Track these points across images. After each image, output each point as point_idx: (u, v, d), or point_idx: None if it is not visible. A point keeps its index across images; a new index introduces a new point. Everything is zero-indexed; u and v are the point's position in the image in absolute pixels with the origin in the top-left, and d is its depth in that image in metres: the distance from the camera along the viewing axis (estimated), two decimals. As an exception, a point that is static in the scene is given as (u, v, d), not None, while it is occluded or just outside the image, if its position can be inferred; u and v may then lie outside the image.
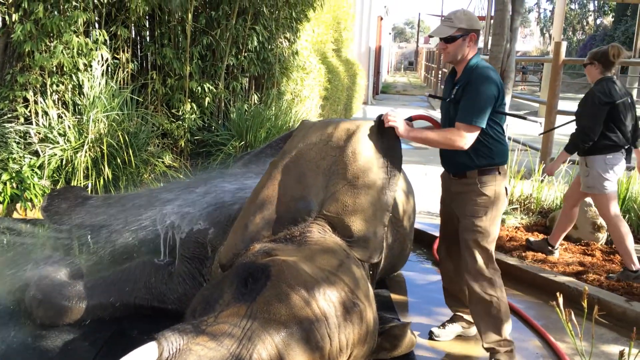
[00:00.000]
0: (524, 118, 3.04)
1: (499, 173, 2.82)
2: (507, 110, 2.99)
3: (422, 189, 6.03)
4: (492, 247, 2.88)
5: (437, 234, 4.77)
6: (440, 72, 19.88)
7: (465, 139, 2.67)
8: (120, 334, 3.01)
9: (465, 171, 2.83)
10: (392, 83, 28.47)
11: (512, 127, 7.13)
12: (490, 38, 5.35)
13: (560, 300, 1.14)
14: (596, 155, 3.83)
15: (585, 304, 1.15)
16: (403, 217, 3.64)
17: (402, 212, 3.60)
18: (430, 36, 3.26)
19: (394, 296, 3.76)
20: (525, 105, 14.63)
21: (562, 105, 7.52)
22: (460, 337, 3.25)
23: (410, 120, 2.86)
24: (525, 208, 5.18)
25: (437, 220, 5.10)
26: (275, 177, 2.74)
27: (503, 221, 4.79)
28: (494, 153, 2.80)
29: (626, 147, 3.85)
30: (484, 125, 2.69)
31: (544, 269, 4.05)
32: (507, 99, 4.88)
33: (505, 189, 2.88)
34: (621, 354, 1.09)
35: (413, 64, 49.90)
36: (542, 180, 5.32)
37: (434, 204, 5.56)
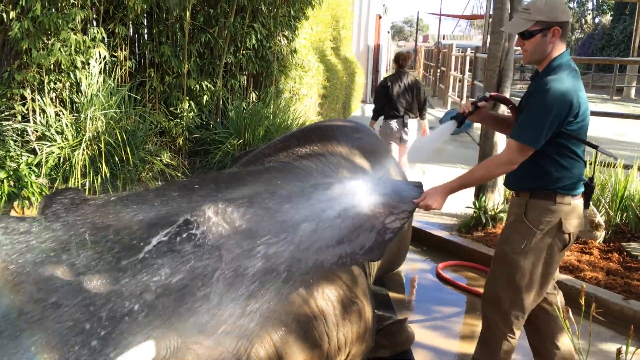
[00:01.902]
0: (596, 147, 2.39)
1: (555, 202, 2.32)
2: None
3: (421, 187, 6.02)
4: (525, 295, 2.37)
5: (434, 232, 4.78)
6: (438, 70, 19.87)
7: (511, 158, 2.27)
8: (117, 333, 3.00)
9: (519, 190, 2.43)
10: (390, 81, 28.41)
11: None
12: (488, 37, 5.34)
13: (559, 298, 1.13)
14: (388, 120, 5.96)
15: (582, 302, 1.15)
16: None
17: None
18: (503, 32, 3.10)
19: (392, 294, 3.76)
20: (524, 103, 14.60)
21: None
22: (458, 335, 3.25)
23: (485, 100, 2.54)
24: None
25: (434, 219, 5.12)
26: None
27: (501, 219, 4.79)
28: (552, 176, 2.31)
29: (402, 115, 5.92)
30: (537, 146, 2.23)
31: (542, 268, 4.04)
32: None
33: (569, 234, 2.35)
34: (618, 351, 1.09)
35: (412, 62, 49.91)
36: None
37: (432, 203, 5.55)
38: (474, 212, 4.87)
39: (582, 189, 2.37)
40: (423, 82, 29.23)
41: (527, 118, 2.24)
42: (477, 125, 9.99)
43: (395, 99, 5.89)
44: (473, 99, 2.51)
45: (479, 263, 4.29)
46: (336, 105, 10.88)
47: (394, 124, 5.92)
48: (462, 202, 5.27)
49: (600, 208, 4.78)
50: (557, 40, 2.30)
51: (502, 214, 4.81)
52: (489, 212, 4.81)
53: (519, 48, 2.43)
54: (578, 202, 2.36)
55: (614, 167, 4.97)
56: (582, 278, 3.90)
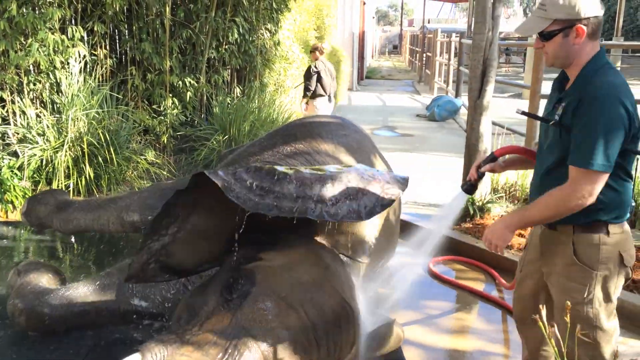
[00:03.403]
0: None
1: (609, 234, 1.97)
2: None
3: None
4: (604, 341, 2.03)
5: (422, 224, 4.78)
6: (424, 55, 19.84)
7: (586, 191, 1.86)
8: (104, 344, 2.98)
9: (556, 225, 2.04)
10: (377, 67, 28.38)
11: (495, 110, 7.12)
12: (473, 20, 5.31)
13: (544, 312, 1.13)
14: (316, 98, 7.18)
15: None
16: (389, 210, 3.62)
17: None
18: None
19: (380, 290, 3.76)
20: (510, 89, 14.66)
21: (545, 88, 7.53)
22: (448, 331, 3.26)
23: (494, 158, 2.28)
24: (510, 196, 5.19)
25: (425, 210, 5.11)
26: None
27: (488, 210, 4.80)
28: (605, 205, 1.95)
29: (329, 95, 7.33)
30: (611, 170, 1.86)
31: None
32: (490, 87, 4.87)
33: (621, 256, 1.99)
34: (615, 355, 1.09)
35: (397, 47, 49.77)
36: (527, 167, 5.33)
37: (420, 194, 5.56)
38: (462, 203, 4.87)
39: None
40: (409, 67, 29.20)
41: (586, 137, 1.84)
42: (463, 111, 10.01)
43: (324, 82, 7.23)
44: (479, 162, 2.32)
45: (467, 256, 4.29)
46: (322, 96, 10.81)
47: (323, 101, 7.31)
48: (449, 194, 5.27)
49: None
50: (585, 39, 1.93)
51: (489, 205, 4.82)
52: (477, 203, 4.81)
53: (503, 31, 2.28)
54: (627, 226, 2.05)
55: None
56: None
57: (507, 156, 2.41)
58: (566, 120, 1.94)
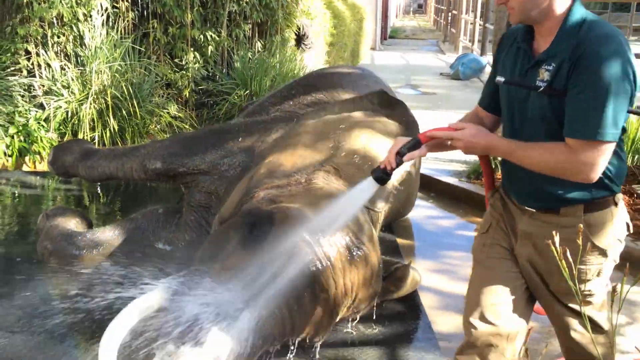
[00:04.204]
0: None
1: (616, 205, 1.75)
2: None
3: (430, 134, 5.98)
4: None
5: (443, 178, 4.78)
6: (450, 14, 19.36)
7: (593, 164, 1.56)
8: (130, 282, 3.08)
9: (559, 207, 1.74)
10: (400, 27, 27.82)
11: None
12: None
13: (557, 238, 1.14)
14: None
15: (579, 241, 1.15)
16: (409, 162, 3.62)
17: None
18: None
19: (400, 241, 3.80)
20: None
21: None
22: (464, 278, 3.28)
23: (418, 143, 1.79)
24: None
25: (444, 165, 5.10)
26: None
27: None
28: (613, 174, 1.71)
29: None
30: (616, 139, 1.59)
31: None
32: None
33: (627, 225, 1.81)
34: (614, 289, 1.11)
35: (422, 6, 48.61)
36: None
37: (441, 149, 5.53)
38: (483, 158, 4.84)
39: None
40: (434, 27, 28.54)
41: (593, 102, 1.54)
42: (488, 70, 9.81)
43: None
44: (399, 146, 1.77)
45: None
46: (344, 53, 10.69)
47: None
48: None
49: (611, 151, 4.73)
50: None
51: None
52: (499, 158, 4.77)
53: None
54: None
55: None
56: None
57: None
58: (558, 85, 1.62)
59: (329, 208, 2.19)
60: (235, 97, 6.02)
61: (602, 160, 1.57)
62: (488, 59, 10.29)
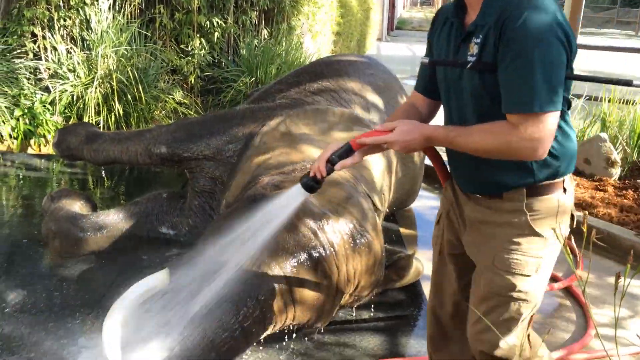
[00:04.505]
0: (626, 83, 1.61)
1: (564, 190, 1.62)
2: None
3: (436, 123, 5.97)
4: (527, 324, 1.71)
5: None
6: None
7: (539, 138, 1.43)
8: (133, 264, 3.10)
9: (502, 192, 1.62)
10: (407, 19, 27.65)
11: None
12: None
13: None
14: None
15: (584, 228, 1.15)
16: (414, 153, 3.62)
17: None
18: None
19: (403, 230, 3.80)
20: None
21: (581, 39, 7.29)
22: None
23: (349, 150, 1.64)
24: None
25: (449, 157, 5.09)
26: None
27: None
28: (560, 154, 1.58)
29: None
30: (560, 106, 1.45)
31: (555, 205, 4.04)
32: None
33: (572, 216, 1.67)
34: (617, 276, 1.11)
35: (430, -2, 48.27)
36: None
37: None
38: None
39: None
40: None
41: (525, 72, 1.42)
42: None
43: None
44: (330, 153, 1.66)
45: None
46: (350, 43, 10.65)
47: None
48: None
49: (617, 145, 4.71)
50: None
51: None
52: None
53: None
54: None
55: (632, 104, 4.86)
56: (595, 215, 3.89)
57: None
58: (487, 58, 1.50)
59: (256, 216, 2.05)
60: (241, 85, 6.00)
61: (547, 132, 1.43)
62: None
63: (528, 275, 1.61)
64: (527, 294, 1.62)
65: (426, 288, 3.00)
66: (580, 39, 7.14)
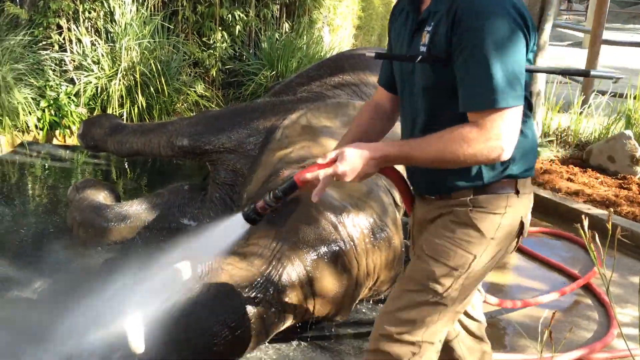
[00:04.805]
0: (587, 74, 1.54)
1: (517, 193, 1.49)
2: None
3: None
4: (440, 336, 1.54)
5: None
6: None
7: (504, 135, 1.32)
8: (155, 255, 3.13)
9: (451, 192, 1.51)
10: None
11: (552, 60, 6.83)
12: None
13: (586, 223, 1.12)
14: None
15: (609, 226, 1.14)
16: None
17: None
18: None
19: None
20: (569, 35, 13.95)
21: (607, 35, 7.16)
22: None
23: (293, 186, 1.50)
24: (562, 141, 5.06)
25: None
26: None
27: (538, 154, 4.70)
28: (513, 154, 1.41)
29: None
30: (522, 101, 1.34)
31: (577, 202, 4.00)
32: (548, 25, 4.66)
33: (522, 223, 1.52)
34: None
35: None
36: (580, 113, 5.15)
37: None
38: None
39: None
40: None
41: (481, 66, 1.30)
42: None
43: None
44: (276, 189, 1.52)
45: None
46: (371, 37, 10.59)
47: None
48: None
49: (642, 143, 4.64)
50: None
51: (539, 149, 4.71)
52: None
53: None
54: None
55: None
56: (619, 213, 3.84)
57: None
58: (438, 50, 1.39)
59: (194, 244, 1.93)
60: (262, 78, 6.02)
61: (512, 129, 1.32)
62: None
63: (453, 268, 1.46)
64: (444, 290, 1.47)
65: (445, 284, 3.00)
66: (606, 34, 7.02)
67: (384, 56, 1.61)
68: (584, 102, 5.57)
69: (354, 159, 1.38)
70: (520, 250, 3.44)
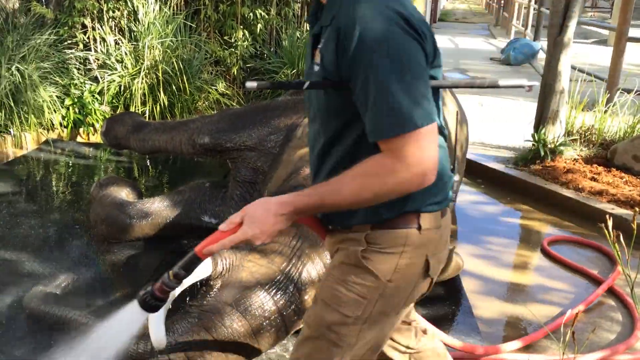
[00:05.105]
0: (491, 85, 1.43)
1: (419, 228, 1.30)
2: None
3: (477, 119, 5.88)
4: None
5: (490, 164, 4.70)
6: (502, -3, 18.77)
7: (423, 158, 1.15)
8: (176, 252, 3.18)
9: (346, 226, 1.36)
10: (451, 10, 27.19)
11: (576, 57, 6.71)
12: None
13: (610, 223, 1.11)
14: None
15: (634, 226, 1.12)
16: (455, 146, 3.58)
17: (454, 141, 3.54)
18: None
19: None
20: (594, 32, 13.74)
21: (633, 32, 7.02)
22: (508, 265, 3.25)
23: (196, 259, 1.31)
24: (586, 140, 4.98)
25: (491, 152, 5.01)
26: None
27: (560, 152, 4.63)
28: None
29: None
30: (433, 117, 1.18)
31: (601, 201, 3.93)
32: (573, 22, 4.58)
33: (427, 263, 1.34)
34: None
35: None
36: (605, 111, 5.07)
37: (487, 135, 5.44)
38: (533, 145, 4.73)
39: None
40: (486, 10, 27.77)
41: (378, 86, 1.15)
42: (541, 56, 9.52)
43: None
44: (175, 268, 1.31)
45: (533, 196, 4.21)
46: (392, 35, 10.56)
47: None
48: (520, 135, 5.13)
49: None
50: None
51: (562, 147, 4.65)
52: (549, 145, 4.66)
53: None
54: (447, 215, 1.40)
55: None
56: (644, 214, 3.76)
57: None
58: (326, 72, 1.24)
59: (89, 344, 1.65)
60: (283, 76, 6.04)
61: (428, 149, 1.16)
62: (542, 44, 9.97)
63: (346, 315, 1.32)
64: (340, 339, 1.33)
65: (466, 283, 2.99)
66: (632, 32, 6.88)
67: (262, 87, 1.40)
68: (609, 100, 5.48)
69: (261, 220, 1.22)
70: (544, 253, 3.41)
